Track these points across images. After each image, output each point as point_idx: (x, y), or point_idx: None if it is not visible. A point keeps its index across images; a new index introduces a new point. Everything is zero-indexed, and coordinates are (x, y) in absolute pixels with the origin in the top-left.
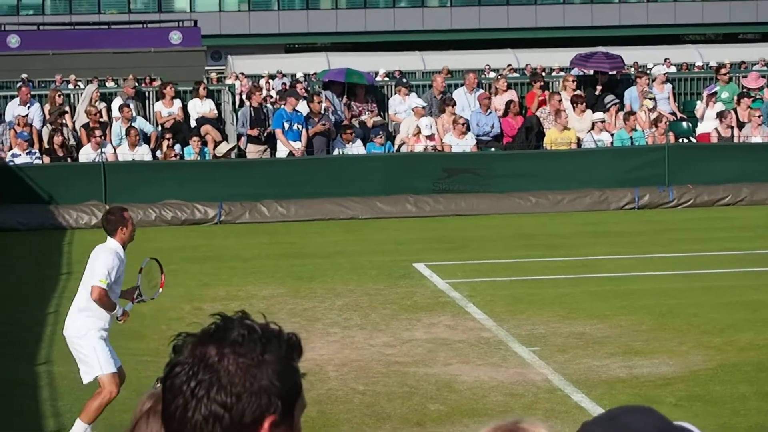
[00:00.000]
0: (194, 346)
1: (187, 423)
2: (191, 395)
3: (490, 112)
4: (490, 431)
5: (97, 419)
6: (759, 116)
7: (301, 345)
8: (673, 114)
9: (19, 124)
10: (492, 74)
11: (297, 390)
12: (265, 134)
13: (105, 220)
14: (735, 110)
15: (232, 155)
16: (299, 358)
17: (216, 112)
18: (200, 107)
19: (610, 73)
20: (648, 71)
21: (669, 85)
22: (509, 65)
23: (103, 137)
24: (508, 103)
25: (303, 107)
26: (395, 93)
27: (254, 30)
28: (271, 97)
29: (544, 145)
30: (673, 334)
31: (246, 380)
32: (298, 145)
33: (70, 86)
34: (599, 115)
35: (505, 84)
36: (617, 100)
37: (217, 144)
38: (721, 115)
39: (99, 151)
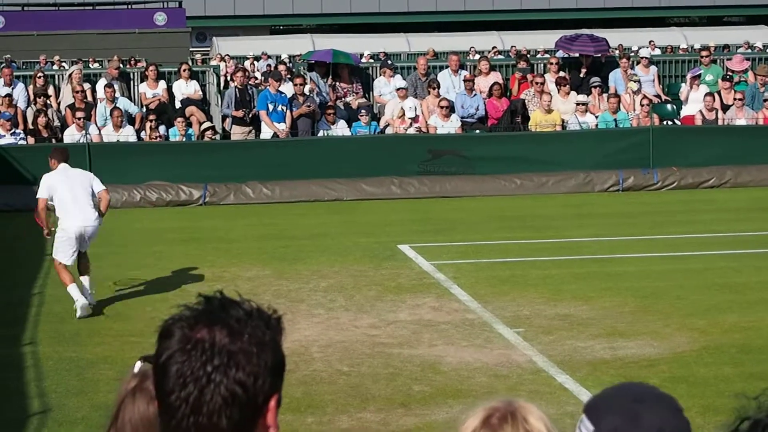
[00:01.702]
0: (193, 330)
1: (203, 407)
2: (207, 380)
3: (475, 95)
4: (486, 413)
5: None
6: (741, 99)
7: (283, 322)
8: (658, 96)
9: (2, 105)
10: (477, 56)
11: (284, 367)
12: (251, 116)
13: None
14: (719, 93)
15: (217, 137)
16: (283, 334)
17: (201, 93)
18: (185, 88)
19: (594, 55)
20: (632, 54)
21: (654, 68)
22: (494, 47)
23: (86, 119)
24: (493, 85)
25: (288, 89)
26: (380, 75)
27: (239, 11)
28: (256, 78)
29: (529, 128)
30: (657, 316)
31: (260, 359)
32: (282, 127)
33: (55, 67)
34: (583, 97)
35: (488, 66)
36: (600, 82)
37: (201, 124)
38: (705, 98)
39: (83, 132)
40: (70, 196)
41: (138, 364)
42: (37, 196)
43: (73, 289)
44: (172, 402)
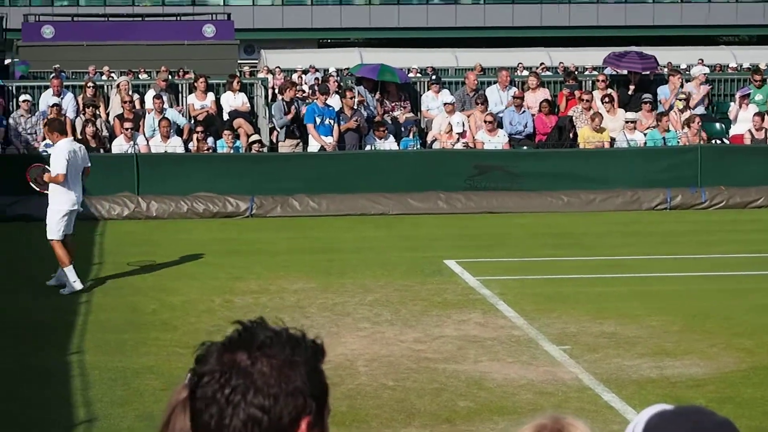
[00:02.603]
0: (221, 354)
1: (224, 430)
2: (226, 402)
3: (524, 111)
4: (534, 430)
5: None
6: None
7: (324, 348)
8: (705, 115)
9: (51, 114)
10: (525, 72)
11: (326, 392)
12: (297, 129)
13: (61, 123)
14: None
15: (264, 150)
16: (323, 360)
17: (248, 105)
18: (233, 101)
19: (642, 73)
20: (683, 71)
21: (706, 87)
22: (542, 63)
23: (134, 129)
24: (542, 102)
25: (335, 102)
26: (428, 90)
27: (287, 24)
28: (304, 91)
29: (577, 144)
30: (704, 336)
31: (281, 381)
32: (329, 140)
33: (104, 77)
34: (632, 114)
35: (536, 82)
36: (651, 99)
37: (249, 136)
38: (754, 117)
39: (131, 142)
40: (73, 174)
41: (189, 376)
42: (59, 171)
43: (70, 271)
44: (197, 426)
